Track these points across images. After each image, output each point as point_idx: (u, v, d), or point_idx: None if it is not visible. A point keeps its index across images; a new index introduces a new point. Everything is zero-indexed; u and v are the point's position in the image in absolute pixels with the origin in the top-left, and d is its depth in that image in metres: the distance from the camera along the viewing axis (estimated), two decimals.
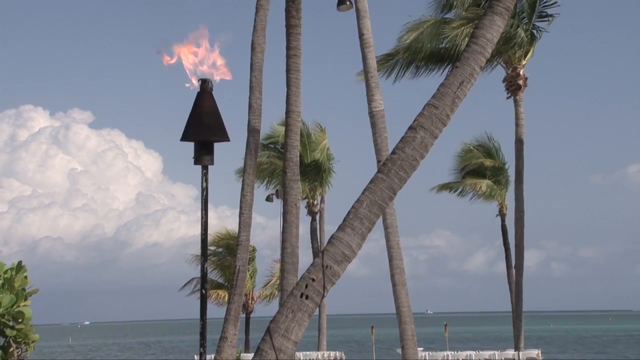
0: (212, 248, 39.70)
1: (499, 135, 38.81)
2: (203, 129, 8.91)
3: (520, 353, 29.60)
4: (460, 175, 38.65)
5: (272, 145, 40.34)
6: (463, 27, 29.84)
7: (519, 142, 31.72)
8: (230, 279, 30.35)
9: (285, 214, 22.34)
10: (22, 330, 9.85)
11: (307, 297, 10.69)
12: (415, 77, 32.21)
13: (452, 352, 30.03)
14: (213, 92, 9.11)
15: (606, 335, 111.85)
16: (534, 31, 32.31)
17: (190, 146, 9.00)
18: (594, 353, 70.18)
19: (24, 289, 9.90)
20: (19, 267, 10.12)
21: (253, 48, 25.05)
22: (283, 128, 25.10)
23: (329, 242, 11.00)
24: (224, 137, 9.02)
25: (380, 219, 18.84)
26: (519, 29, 31.25)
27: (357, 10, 24.22)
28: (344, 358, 33.23)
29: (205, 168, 9.00)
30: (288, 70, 21.55)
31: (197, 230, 9.03)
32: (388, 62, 31.62)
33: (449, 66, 29.77)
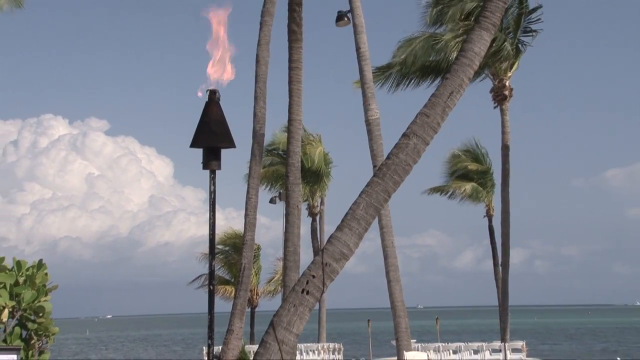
0: (220, 247, 39.60)
1: (487, 141, 38.79)
2: (211, 136, 8.90)
3: (506, 344, 29.57)
4: (450, 178, 38.63)
5: (275, 151, 40.28)
6: (453, 42, 29.84)
7: (505, 148, 31.71)
8: (236, 275, 30.32)
9: (287, 215, 22.33)
10: (43, 324, 9.84)
11: (308, 293, 10.67)
12: (409, 88, 32.23)
13: (443, 344, 29.95)
14: (220, 102, 9.11)
15: (585, 328, 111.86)
16: (519, 45, 32.31)
17: (199, 152, 8.99)
18: (575, 343, 70.29)
19: (44, 285, 9.88)
20: (40, 265, 10.11)
21: (257, 61, 25.04)
22: (285, 135, 25.08)
23: (328, 241, 10.98)
24: (231, 143, 9.01)
25: (376, 220, 18.86)
26: (505, 43, 31.23)
27: (354, 26, 24.23)
28: (342, 349, 33.14)
29: (213, 172, 8.99)
30: (290, 82, 21.54)
31: (205, 230, 9.00)
32: (383, 74, 31.64)
33: (440, 78, 29.74)
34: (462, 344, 29.71)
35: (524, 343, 30.06)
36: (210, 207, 9.07)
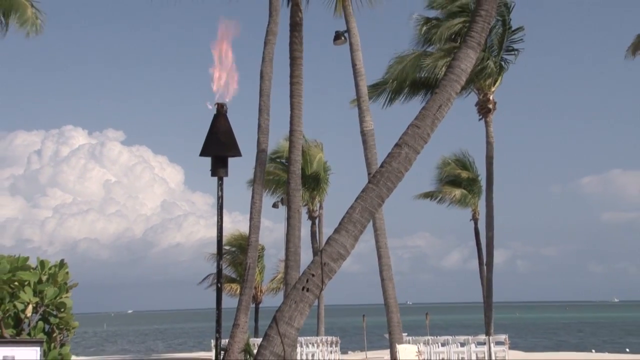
0: (227, 247, 39.53)
1: (472, 151, 38.63)
2: (219, 145, 8.91)
3: (490, 337, 29.52)
4: (440, 185, 38.60)
5: (277, 159, 40.25)
6: (441, 59, 29.89)
7: (489, 157, 31.72)
8: (242, 274, 30.30)
9: (289, 218, 22.34)
10: (64, 319, 9.84)
11: (307, 290, 10.67)
12: (401, 102, 32.30)
13: (432, 337, 29.90)
14: (227, 114, 9.13)
15: (563, 322, 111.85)
16: (502, 63, 32.36)
17: (207, 160, 9.00)
18: (554, 336, 70.28)
19: (65, 283, 9.88)
20: (62, 264, 10.11)
21: (262, 77, 25.06)
22: (287, 144, 25.09)
23: (327, 242, 10.99)
24: (237, 152, 9.03)
25: (371, 223, 18.87)
26: (489, 61, 31.29)
27: (351, 45, 24.27)
28: (339, 342, 33.07)
29: (220, 179, 9.00)
30: (292, 96, 21.57)
31: (213, 233, 8.98)
32: (377, 90, 31.72)
33: (429, 92, 29.78)
34: (449, 337, 29.65)
35: (507, 336, 30.00)
36: (218, 211, 9.08)
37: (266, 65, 24.94)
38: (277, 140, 39.79)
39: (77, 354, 35.23)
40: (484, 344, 29.30)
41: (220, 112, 9.03)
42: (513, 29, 32.00)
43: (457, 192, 37.49)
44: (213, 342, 28.91)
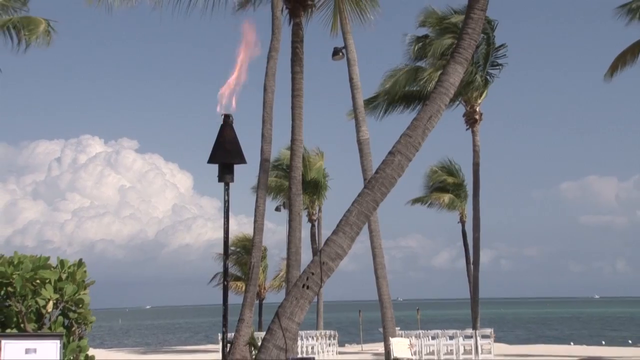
0: (232, 248, 39.48)
1: (460, 158, 38.72)
2: (225, 153, 8.89)
3: (477, 331, 29.49)
4: (429, 190, 38.63)
5: (279, 166, 40.24)
6: (431, 74, 29.93)
7: (475, 164, 31.73)
8: (246, 272, 30.27)
9: (290, 221, 22.31)
10: (82, 314, 9.83)
11: (307, 287, 10.66)
12: (394, 113, 32.35)
13: (423, 331, 29.87)
14: (233, 125, 9.12)
15: (544, 317, 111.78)
16: (488, 77, 32.41)
17: (215, 167, 8.99)
18: (535, 329, 70.26)
19: (83, 281, 9.86)
20: (80, 263, 10.09)
21: (265, 89, 25.03)
22: (289, 152, 25.07)
23: (325, 243, 10.97)
24: (242, 160, 9.01)
25: (366, 225, 18.87)
26: (476, 75, 31.34)
27: (348, 60, 24.26)
28: (337, 335, 33.04)
29: (227, 185, 8.98)
30: (293, 107, 21.56)
31: (220, 234, 8.96)
32: (372, 102, 31.75)
33: (421, 104, 29.79)
34: (439, 331, 29.62)
35: (492, 330, 29.99)
36: (224, 214, 9.06)
37: (269, 79, 24.92)
38: (279, 149, 39.81)
39: (94, 347, 35.16)
40: (471, 337, 29.27)
41: (227, 123, 9.02)
42: (497, 45, 32.08)
43: (446, 198, 37.54)
44: (220, 336, 28.89)
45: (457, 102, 32.31)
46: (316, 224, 41.69)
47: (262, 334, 21.10)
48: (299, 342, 28.99)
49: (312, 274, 10.64)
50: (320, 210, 42.00)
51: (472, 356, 28.59)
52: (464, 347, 29.13)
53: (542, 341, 47.12)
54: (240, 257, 39.64)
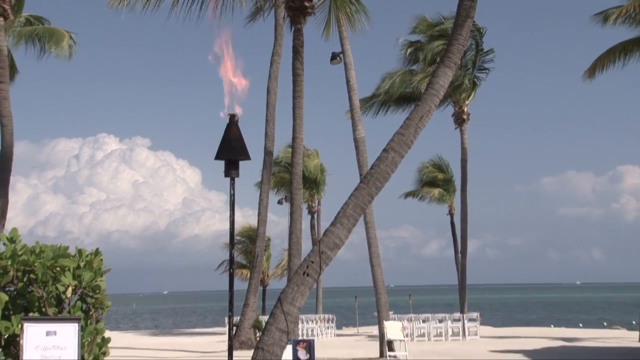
0: (238, 238, 39.43)
1: (449, 155, 38.72)
2: (231, 150, 8.87)
3: (465, 315, 29.52)
4: (420, 185, 38.63)
5: (281, 163, 40.22)
6: (423, 77, 29.89)
7: (463, 161, 31.70)
8: (251, 261, 30.27)
9: (292, 213, 22.31)
10: (99, 299, 9.81)
11: (307, 275, 10.65)
12: (388, 113, 32.32)
13: (415, 315, 29.89)
14: (238, 123, 9.10)
15: (527, 301, 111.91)
16: (475, 80, 32.36)
17: (221, 163, 8.97)
18: (518, 313, 70.34)
19: (100, 269, 9.85)
20: (97, 252, 10.08)
21: (268, 91, 24.99)
22: (290, 150, 25.05)
23: (324, 234, 10.96)
24: (247, 156, 9.00)
25: (362, 217, 18.86)
26: (464, 78, 31.30)
27: (345, 64, 24.20)
28: (335, 319, 33.06)
29: (232, 180, 8.96)
30: (294, 108, 21.53)
31: (227, 225, 8.96)
32: (368, 103, 31.72)
33: (413, 105, 29.77)
34: (429, 315, 29.64)
35: (478, 314, 30.04)
36: (230, 207, 9.05)
37: (272, 81, 24.88)
38: (281, 147, 39.77)
39: (110, 329, 35.15)
40: (459, 320, 29.31)
41: (232, 122, 9.00)
42: (485, 50, 32.02)
43: (436, 192, 37.58)
44: (227, 319, 28.91)
45: (447, 103, 32.26)
46: (316, 216, 41.69)
47: (266, 317, 21.12)
48: (300, 325, 29.00)
49: (312, 262, 10.63)
50: (319, 203, 41.99)
51: (460, 338, 28.62)
52: (453, 329, 29.16)
53: (524, 324, 47.15)
54: (245, 246, 39.63)
